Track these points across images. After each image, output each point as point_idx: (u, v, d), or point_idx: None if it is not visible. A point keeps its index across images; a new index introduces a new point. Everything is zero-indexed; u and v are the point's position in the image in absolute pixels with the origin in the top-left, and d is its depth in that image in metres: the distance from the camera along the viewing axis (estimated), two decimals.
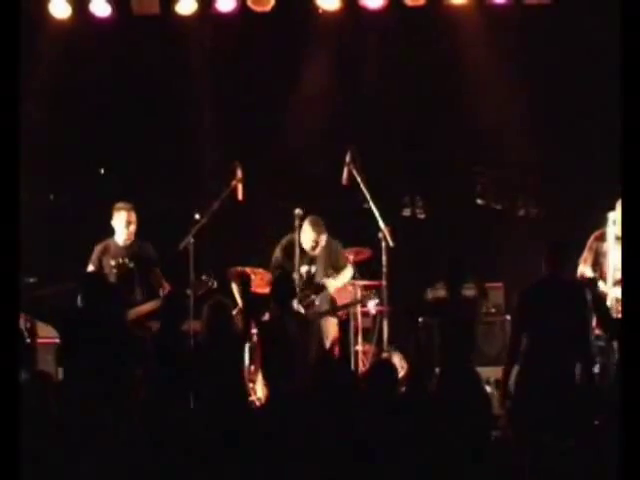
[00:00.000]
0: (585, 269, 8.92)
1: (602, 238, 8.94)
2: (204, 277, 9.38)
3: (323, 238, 9.60)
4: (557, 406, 7.17)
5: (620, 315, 8.17)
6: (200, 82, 11.81)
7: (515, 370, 7.70)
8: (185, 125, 11.85)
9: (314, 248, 9.63)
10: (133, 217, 9.56)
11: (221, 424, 7.17)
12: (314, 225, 9.63)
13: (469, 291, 8.62)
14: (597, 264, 8.93)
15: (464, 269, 8.18)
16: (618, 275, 8.48)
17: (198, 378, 7.92)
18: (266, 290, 9.32)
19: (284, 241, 9.73)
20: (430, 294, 10.10)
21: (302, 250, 9.65)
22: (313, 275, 9.64)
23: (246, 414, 7.67)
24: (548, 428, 6.93)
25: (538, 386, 7.36)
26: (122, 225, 9.55)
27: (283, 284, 8.60)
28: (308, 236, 9.62)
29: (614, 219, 8.79)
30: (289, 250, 9.66)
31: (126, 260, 9.55)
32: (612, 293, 8.63)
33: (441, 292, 9.40)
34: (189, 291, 9.29)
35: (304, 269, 9.64)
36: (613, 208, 8.74)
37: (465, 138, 11.82)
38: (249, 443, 6.81)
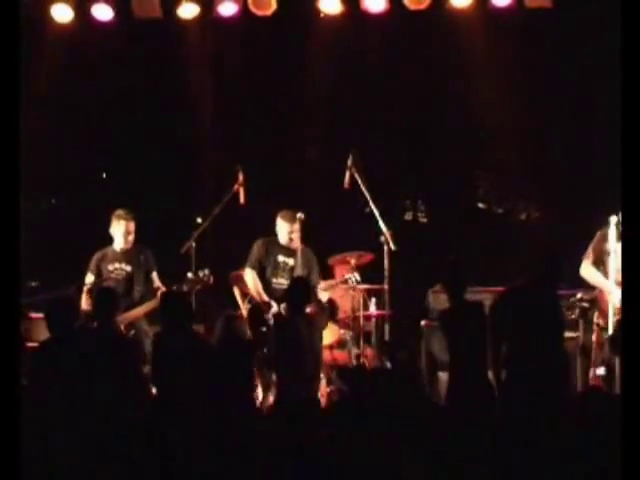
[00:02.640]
0: (587, 266, 8.89)
1: (607, 237, 8.93)
2: (200, 273, 9.43)
3: (297, 227, 9.65)
4: (542, 410, 7.20)
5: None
6: (202, 85, 11.83)
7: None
8: (187, 128, 11.86)
9: (291, 240, 9.68)
10: (132, 227, 9.59)
11: (227, 428, 7.20)
12: (285, 217, 9.71)
13: (475, 295, 8.60)
14: (601, 263, 8.90)
15: (465, 273, 8.14)
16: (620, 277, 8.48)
17: (206, 382, 7.91)
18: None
19: (264, 239, 9.80)
20: (431, 296, 10.11)
21: (280, 245, 9.74)
22: (292, 268, 9.67)
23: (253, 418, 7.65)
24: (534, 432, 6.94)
25: (522, 391, 7.43)
26: (120, 234, 9.59)
27: (298, 288, 8.61)
28: (283, 229, 9.70)
29: (616, 222, 8.81)
30: (268, 245, 9.75)
31: (123, 264, 9.59)
32: (616, 294, 8.62)
33: (442, 295, 9.42)
34: (185, 287, 9.35)
35: (281, 259, 9.73)
36: (615, 212, 8.74)
37: (467, 141, 11.82)
38: (257, 447, 6.82)
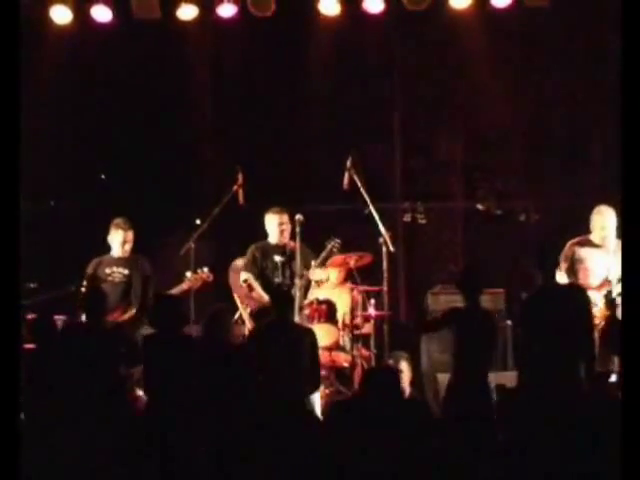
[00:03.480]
0: (561, 276, 8.89)
1: (579, 244, 8.97)
2: (199, 270, 9.48)
3: (286, 219, 9.77)
4: (562, 410, 7.16)
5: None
6: (201, 87, 11.83)
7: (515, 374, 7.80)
8: (186, 130, 11.85)
9: (282, 233, 9.73)
10: (130, 237, 9.67)
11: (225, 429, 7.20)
12: (274, 210, 9.84)
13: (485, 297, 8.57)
14: (572, 271, 8.93)
15: (481, 278, 8.11)
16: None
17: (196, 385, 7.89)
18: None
19: (257, 244, 9.88)
20: (429, 298, 10.11)
21: (273, 246, 9.84)
22: (289, 266, 9.72)
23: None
24: (551, 432, 6.92)
25: (544, 393, 7.37)
26: (118, 243, 9.70)
27: (281, 293, 8.58)
28: (273, 223, 9.80)
29: (602, 225, 8.90)
30: (262, 249, 9.84)
31: (120, 268, 9.65)
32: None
33: (441, 297, 9.42)
34: (185, 286, 9.41)
35: (278, 258, 9.81)
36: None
37: (466, 142, 11.82)
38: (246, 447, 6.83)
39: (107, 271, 9.65)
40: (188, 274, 9.56)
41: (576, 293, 7.72)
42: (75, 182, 11.88)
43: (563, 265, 8.93)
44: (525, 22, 10.94)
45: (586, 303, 7.60)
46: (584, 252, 8.99)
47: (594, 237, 9.08)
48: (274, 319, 8.29)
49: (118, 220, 9.69)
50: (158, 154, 11.81)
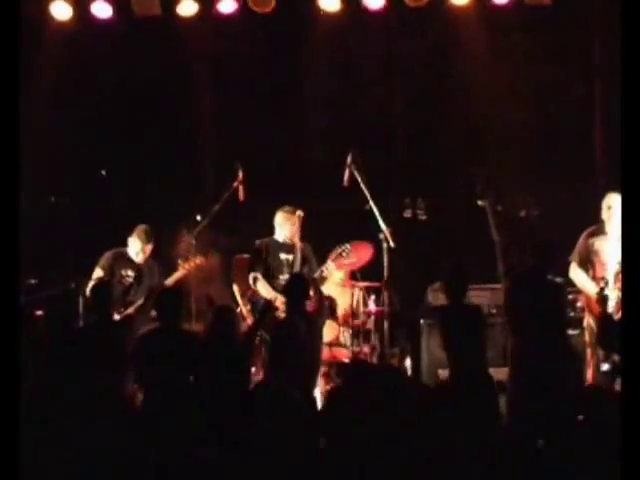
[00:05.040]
0: (575, 268, 8.87)
1: (593, 235, 8.95)
2: (191, 256, 9.55)
3: (299, 213, 9.61)
4: (549, 403, 7.19)
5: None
6: (201, 83, 11.84)
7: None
8: (186, 126, 11.86)
9: (293, 234, 9.58)
10: (147, 249, 9.67)
11: (224, 426, 7.19)
12: (289, 211, 9.63)
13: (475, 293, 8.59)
14: (588, 262, 8.90)
15: (466, 274, 8.13)
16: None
17: (200, 381, 7.89)
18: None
19: (262, 241, 9.69)
20: (430, 294, 10.11)
21: (280, 244, 9.65)
22: (292, 264, 9.61)
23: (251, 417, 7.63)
24: (542, 426, 6.93)
25: (531, 384, 7.42)
26: (134, 251, 9.69)
27: (296, 284, 8.53)
28: (286, 223, 9.59)
29: (609, 204, 8.90)
30: (268, 246, 9.64)
31: (129, 272, 9.67)
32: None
33: (441, 293, 9.41)
34: (179, 274, 9.44)
35: (283, 256, 9.63)
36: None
37: (466, 138, 11.84)
38: (251, 446, 6.81)
39: (123, 273, 9.67)
40: (180, 261, 9.57)
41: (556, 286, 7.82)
42: (75, 178, 11.90)
43: (577, 257, 8.90)
44: (525, 19, 10.94)
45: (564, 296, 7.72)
46: (599, 244, 8.94)
47: (607, 225, 9.07)
48: (290, 311, 8.28)
49: (140, 229, 9.64)
50: (158, 150, 11.83)
